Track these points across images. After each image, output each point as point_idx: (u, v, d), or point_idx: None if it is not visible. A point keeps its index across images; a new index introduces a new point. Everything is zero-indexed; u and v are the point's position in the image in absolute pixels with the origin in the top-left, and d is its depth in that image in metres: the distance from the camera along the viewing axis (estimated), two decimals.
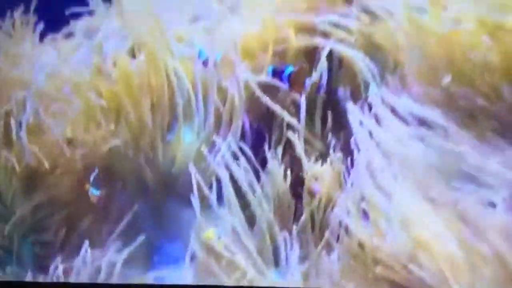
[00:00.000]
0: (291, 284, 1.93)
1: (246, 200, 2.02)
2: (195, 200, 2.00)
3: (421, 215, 1.69)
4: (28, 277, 2.13)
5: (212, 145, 2.10)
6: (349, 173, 1.91)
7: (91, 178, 2.13)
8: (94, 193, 2.13)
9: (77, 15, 2.59)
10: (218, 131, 2.14)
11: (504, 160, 1.73)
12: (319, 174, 1.98)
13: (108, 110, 2.21)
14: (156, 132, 2.17)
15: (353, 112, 1.96)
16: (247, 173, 2.04)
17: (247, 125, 2.19)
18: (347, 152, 1.96)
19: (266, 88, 2.17)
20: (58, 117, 2.23)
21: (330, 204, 1.93)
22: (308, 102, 2.12)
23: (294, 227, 1.99)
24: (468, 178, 1.75)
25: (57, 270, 2.08)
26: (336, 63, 2.23)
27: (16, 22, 2.47)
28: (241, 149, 2.09)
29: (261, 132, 2.21)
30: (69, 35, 2.60)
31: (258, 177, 2.04)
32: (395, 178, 1.79)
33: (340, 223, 1.85)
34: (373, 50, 2.16)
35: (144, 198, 2.22)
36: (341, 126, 2.10)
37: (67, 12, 2.57)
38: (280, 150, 2.08)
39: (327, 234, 1.91)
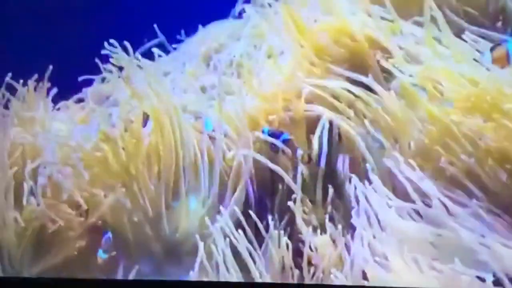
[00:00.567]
0: None
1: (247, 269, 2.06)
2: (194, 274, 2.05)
3: None
4: None
5: (215, 215, 2.16)
6: (349, 246, 1.95)
7: (103, 241, 2.19)
8: (102, 256, 2.18)
9: (89, 82, 2.70)
10: (223, 201, 2.21)
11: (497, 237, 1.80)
12: (319, 245, 2.02)
13: (116, 176, 2.27)
14: (161, 199, 2.23)
15: (353, 185, 2.03)
16: (249, 242, 2.08)
17: (251, 194, 2.26)
18: (347, 224, 2.02)
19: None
20: (67, 183, 2.31)
21: (330, 277, 1.97)
22: (309, 173, 2.20)
23: None
24: (463, 253, 1.80)
25: None
26: (335, 134, 2.31)
27: (29, 88, 2.54)
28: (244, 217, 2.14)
29: (263, 200, 2.27)
30: (81, 101, 2.70)
31: (260, 245, 2.09)
32: (394, 253, 1.84)
33: None
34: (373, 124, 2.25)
35: (148, 262, 2.27)
36: (341, 198, 2.17)
37: (79, 79, 2.68)
38: (281, 219, 2.14)
39: None
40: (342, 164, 2.25)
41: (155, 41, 2.83)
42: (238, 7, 2.85)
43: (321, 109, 2.27)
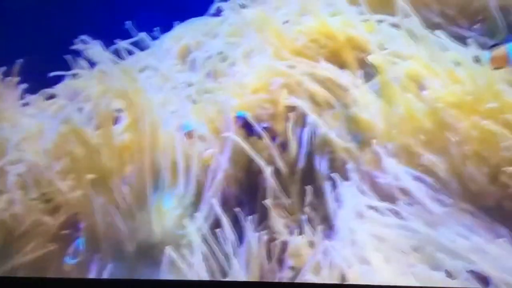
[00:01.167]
0: None
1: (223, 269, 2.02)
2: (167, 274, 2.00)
3: None
4: None
5: (192, 214, 2.11)
6: (327, 246, 1.93)
7: (73, 247, 2.12)
8: (69, 262, 2.11)
9: (60, 78, 2.62)
10: (200, 200, 2.16)
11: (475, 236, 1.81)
12: (296, 248, 2.00)
13: (86, 172, 2.20)
14: (136, 198, 2.17)
15: (332, 184, 2.02)
16: (225, 241, 2.05)
17: (228, 193, 2.22)
18: (326, 225, 2.01)
19: None
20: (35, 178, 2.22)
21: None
22: (288, 174, 2.18)
23: None
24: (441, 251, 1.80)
25: None
26: (313, 134, 2.29)
27: None
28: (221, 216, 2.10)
29: (240, 199, 2.24)
30: (51, 96, 2.62)
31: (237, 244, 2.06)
32: (373, 252, 1.83)
33: None
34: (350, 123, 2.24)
35: (120, 262, 2.20)
36: (320, 197, 2.15)
37: (50, 75, 2.59)
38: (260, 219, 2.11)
39: None
40: (320, 163, 2.23)
41: (135, 37, 2.76)
42: (215, 5, 2.80)
43: (300, 105, 2.25)
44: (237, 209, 2.10)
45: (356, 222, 1.90)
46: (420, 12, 2.29)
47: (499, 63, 1.99)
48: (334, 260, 1.84)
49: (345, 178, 2.07)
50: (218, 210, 2.09)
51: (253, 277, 2.01)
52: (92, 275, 2.14)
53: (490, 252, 1.73)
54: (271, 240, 2.06)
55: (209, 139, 2.27)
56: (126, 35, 2.83)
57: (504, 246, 1.76)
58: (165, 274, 2.05)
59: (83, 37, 2.50)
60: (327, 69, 2.25)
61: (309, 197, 2.13)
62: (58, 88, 2.61)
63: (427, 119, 1.99)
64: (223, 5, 2.76)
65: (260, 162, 2.17)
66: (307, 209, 2.13)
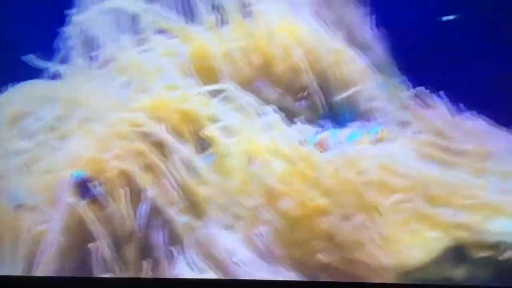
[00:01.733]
0: None
1: None
2: None
3: None
4: None
5: None
6: None
7: None
8: None
9: None
10: None
11: None
12: None
13: None
14: None
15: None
16: None
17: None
18: None
19: None
20: None
21: None
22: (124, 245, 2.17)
23: None
24: None
25: None
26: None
27: None
28: None
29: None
30: None
31: None
32: None
33: None
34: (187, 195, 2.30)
35: None
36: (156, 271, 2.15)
37: None
38: None
39: None
40: (158, 235, 2.23)
41: None
42: (53, 68, 2.73)
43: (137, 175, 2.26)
44: None
45: None
46: (250, 87, 2.45)
47: (322, 148, 2.24)
48: None
49: (183, 251, 2.11)
50: None
51: None
52: None
53: None
54: None
55: (43, 209, 2.18)
56: None
57: None
58: None
59: None
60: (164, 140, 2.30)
61: (145, 270, 2.12)
62: None
63: (259, 192, 2.11)
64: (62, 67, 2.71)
65: (97, 229, 2.13)
66: None
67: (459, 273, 1.97)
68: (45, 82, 2.78)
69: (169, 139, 2.27)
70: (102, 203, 2.19)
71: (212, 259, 2.07)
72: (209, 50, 2.48)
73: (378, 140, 2.26)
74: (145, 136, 2.29)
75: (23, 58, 2.67)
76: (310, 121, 2.39)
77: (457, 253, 1.98)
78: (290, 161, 2.14)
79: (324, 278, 1.98)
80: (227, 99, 2.37)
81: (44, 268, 2.06)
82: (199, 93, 2.36)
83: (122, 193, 2.20)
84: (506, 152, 2.26)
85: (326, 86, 2.54)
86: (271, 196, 2.10)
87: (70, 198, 2.13)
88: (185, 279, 2.06)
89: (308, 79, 2.51)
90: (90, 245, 2.12)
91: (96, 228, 2.13)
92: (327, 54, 2.52)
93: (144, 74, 2.41)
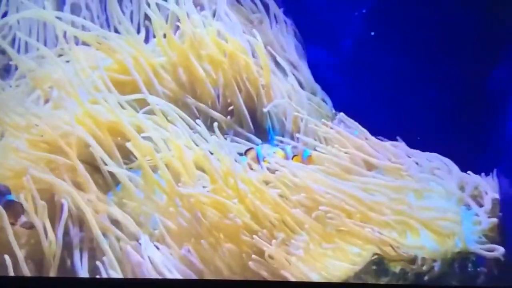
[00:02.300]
0: None
1: None
2: None
3: None
4: None
5: None
6: None
7: None
8: None
9: None
10: None
11: None
12: None
13: None
14: None
15: None
16: None
17: None
18: None
19: None
20: None
21: None
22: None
23: None
24: None
25: None
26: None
27: None
28: None
29: None
30: None
31: None
32: None
33: None
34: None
35: None
36: None
37: None
38: None
39: None
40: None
41: None
42: None
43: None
44: None
45: None
46: (176, 101, 2.44)
47: (252, 163, 2.26)
48: None
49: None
50: None
51: None
52: None
53: None
54: None
55: None
56: None
57: None
58: None
59: None
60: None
61: None
62: None
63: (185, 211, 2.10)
64: None
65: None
66: None
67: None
68: None
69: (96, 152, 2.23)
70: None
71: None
72: (134, 63, 2.44)
73: (308, 163, 2.31)
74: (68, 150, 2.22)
75: None
76: (237, 135, 2.42)
77: (379, 266, 2.05)
78: (216, 177, 2.14)
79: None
80: (153, 112, 2.34)
81: None
82: (123, 106, 2.31)
83: (42, 207, 2.13)
84: (421, 171, 2.38)
85: (252, 102, 2.57)
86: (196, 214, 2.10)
87: None
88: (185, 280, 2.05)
89: (235, 95, 2.54)
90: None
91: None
92: (254, 72, 2.55)
93: (65, 87, 2.32)
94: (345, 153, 2.43)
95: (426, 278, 2.00)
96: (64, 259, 2.16)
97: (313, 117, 2.58)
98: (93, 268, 2.13)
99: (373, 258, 2.05)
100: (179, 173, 2.19)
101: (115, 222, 2.19)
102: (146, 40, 2.62)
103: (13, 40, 2.75)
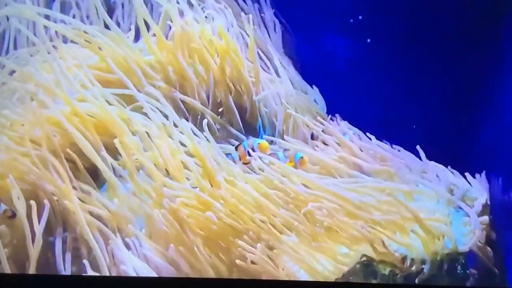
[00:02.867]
0: None
1: None
2: None
3: None
4: None
5: None
6: None
7: None
8: None
9: None
10: None
11: None
12: None
13: None
14: None
15: None
16: None
17: None
18: None
19: None
20: None
21: None
22: None
23: None
24: None
25: None
26: None
27: None
28: None
29: None
30: None
31: None
32: None
33: None
34: None
35: None
36: None
37: None
38: None
39: None
40: None
41: None
42: None
43: None
44: None
45: None
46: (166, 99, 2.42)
47: (245, 160, 2.28)
48: None
49: None
50: None
51: None
52: None
53: None
54: None
55: None
56: None
57: None
58: None
59: None
60: None
61: None
62: None
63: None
64: None
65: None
66: None
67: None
68: None
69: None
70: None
71: None
72: (124, 61, 2.41)
73: (300, 166, 2.30)
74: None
75: None
76: (228, 135, 2.40)
77: (367, 268, 2.03)
78: (202, 178, 2.13)
79: None
80: (142, 110, 2.32)
81: None
82: (111, 103, 2.29)
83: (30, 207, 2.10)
84: (410, 173, 2.38)
85: (241, 102, 2.56)
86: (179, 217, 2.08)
87: None
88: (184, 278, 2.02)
89: (224, 95, 2.52)
90: None
91: None
92: (245, 71, 2.53)
93: (52, 85, 2.29)
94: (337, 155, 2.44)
95: (416, 281, 1.98)
96: (47, 258, 2.13)
97: (305, 117, 2.57)
98: (77, 267, 2.12)
99: (361, 260, 2.03)
100: (165, 173, 2.16)
101: (100, 220, 2.15)
102: (136, 38, 2.59)
103: (3, 36, 2.72)
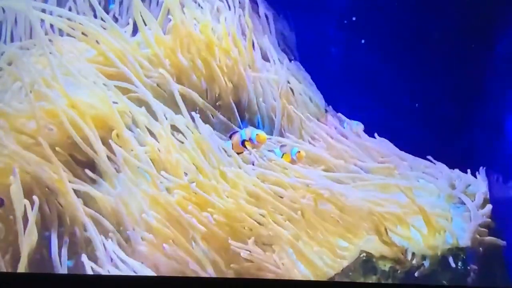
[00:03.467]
0: None
1: None
2: None
3: None
4: None
5: None
6: None
7: None
8: None
9: None
10: None
11: None
12: None
13: None
14: None
15: None
16: None
17: None
18: None
19: None
20: None
21: None
22: None
23: None
24: None
25: None
26: None
27: None
28: None
29: None
30: None
31: None
32: None
33: None
34: None
35: None
36: None
37: None
38: None
39: None
40: None
41: None
42: None
43: None
44: None
45: None
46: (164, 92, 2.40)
47: (237, 149, 2.25)
48: None
49: None
50: None
51: None
52: None
53: None
54: None
55: None
56: None
57: None
58: None
59: None
60: None
61: None
62: None
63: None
64: None
65: None
66: None
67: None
68: None
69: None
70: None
71: None
72: (121, 55, 2.38)
73: (297, 160, 2.28)
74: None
75: None
76: (226, 129, 2.38)
77: (367, 264, 2.01)
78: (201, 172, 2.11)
79: None
80: (140, 102, 2.30)
81: None
82: (110, 93, 2.27)
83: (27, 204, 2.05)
84: (411, 169, 2.37)
85: (240, 96, 2.54)
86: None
87: None
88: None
89: (223, 89, 2.50)
90: None
91: None
92: (243, 67, 2.52)
93: (49, 78, 2.26)
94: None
95: (416, 274, 1.96)
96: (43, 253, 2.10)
97: (303, 113, 2.56)
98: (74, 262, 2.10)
99: (361, 256, 2.00)
100: (164, 168, 2.14)
101: (97, 216, 2.13)
102: (135, 32, 2.56)
103: None
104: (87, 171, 2.17)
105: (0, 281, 1.89)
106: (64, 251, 2.09)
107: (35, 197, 2.02)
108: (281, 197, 2.08)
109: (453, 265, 1.97)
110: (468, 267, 2.00)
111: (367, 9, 2.80)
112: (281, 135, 2.51)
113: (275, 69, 2.60)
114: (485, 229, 2.07)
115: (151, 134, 2.21)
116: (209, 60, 2.45)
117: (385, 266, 2.00)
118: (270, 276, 1.95)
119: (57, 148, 2.15)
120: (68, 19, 2.44)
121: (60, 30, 2.48)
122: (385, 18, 2.78)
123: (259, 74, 2.55)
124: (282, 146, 2.37)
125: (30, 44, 2.50)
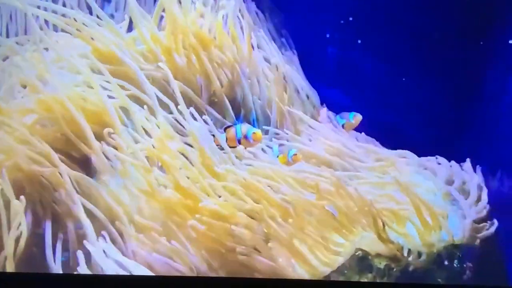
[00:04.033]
0: None
1: None
2: None
3: None
4: None
5: None
6: None
7: None
8: None
9: None
10: None
11: None
12: None
13: None
14: None
15: None
16: None
17: None
18: None
19: None
20: None
21: None
22: None
23: None
24: None
25: None
26: None
27: None
28: None
29: None
30: None
31: None
32: None
33: None
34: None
35: None
36: None
37: None
38: None
39: None
40: None
41: None
42: None
43: None
44: None
45: None
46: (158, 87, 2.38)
47: (232, 143, 2.23)
48: None
49: None
50: None
51: None
52: None
53: None
54: None
55: None
56: None
57: None
58: None
59: None
60: None
61: None
62: None
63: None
64: None
65: None
66: None
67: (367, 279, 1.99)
68: None
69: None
70: None
71: None
72: (115, 51, 2.36)
73: (294, 161, 2.27)
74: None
75: None
76: (221, 126, 2.36)
77: (362, 262, 1.99)
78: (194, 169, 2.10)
79: None
80: (134, 98, 2.29)
81: None
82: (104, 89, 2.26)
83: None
84: (403, 167, 2.37)
85: (235, 94, 2.53)
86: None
87: None
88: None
89: (217, 86, 2.48)
90: None
91: None
92: (239, 63, 2.51)
93: (44, 74, 2.25)
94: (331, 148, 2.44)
95: (411, 270, 1.95)
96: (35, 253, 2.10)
97: (298, 109, 2.55)
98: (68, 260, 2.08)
99: (356, 253, 1.99)
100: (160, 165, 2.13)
101: (92, 211, 2.11)
102: (130, 28, 2.55)
103: None
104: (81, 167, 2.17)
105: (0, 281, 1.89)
106: (58, 247, 2.08)
107: (22, 197, 2.03)
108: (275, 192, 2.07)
109: (448, 262, 1.97)
110: (464, 265, 2.00)
111: (365, 9, 2.79)
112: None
113: (271, 64, 2.59)
114: (480, 226, 2.07)
115: (146, 132, 2.19)
116: (204, 57, 2.44)
117: (381, 264, 1.99)
118: (265, 271, 1.95)
119: (50, 144, 2.14)
120: (63, 15, 2.43)
121: (54, 25, 2.46)
122: (383, 18, 2.78)
123: (255, 69, 2.54)
124: (280, 145, 2.37)
125: (25, 40, 2.49)
